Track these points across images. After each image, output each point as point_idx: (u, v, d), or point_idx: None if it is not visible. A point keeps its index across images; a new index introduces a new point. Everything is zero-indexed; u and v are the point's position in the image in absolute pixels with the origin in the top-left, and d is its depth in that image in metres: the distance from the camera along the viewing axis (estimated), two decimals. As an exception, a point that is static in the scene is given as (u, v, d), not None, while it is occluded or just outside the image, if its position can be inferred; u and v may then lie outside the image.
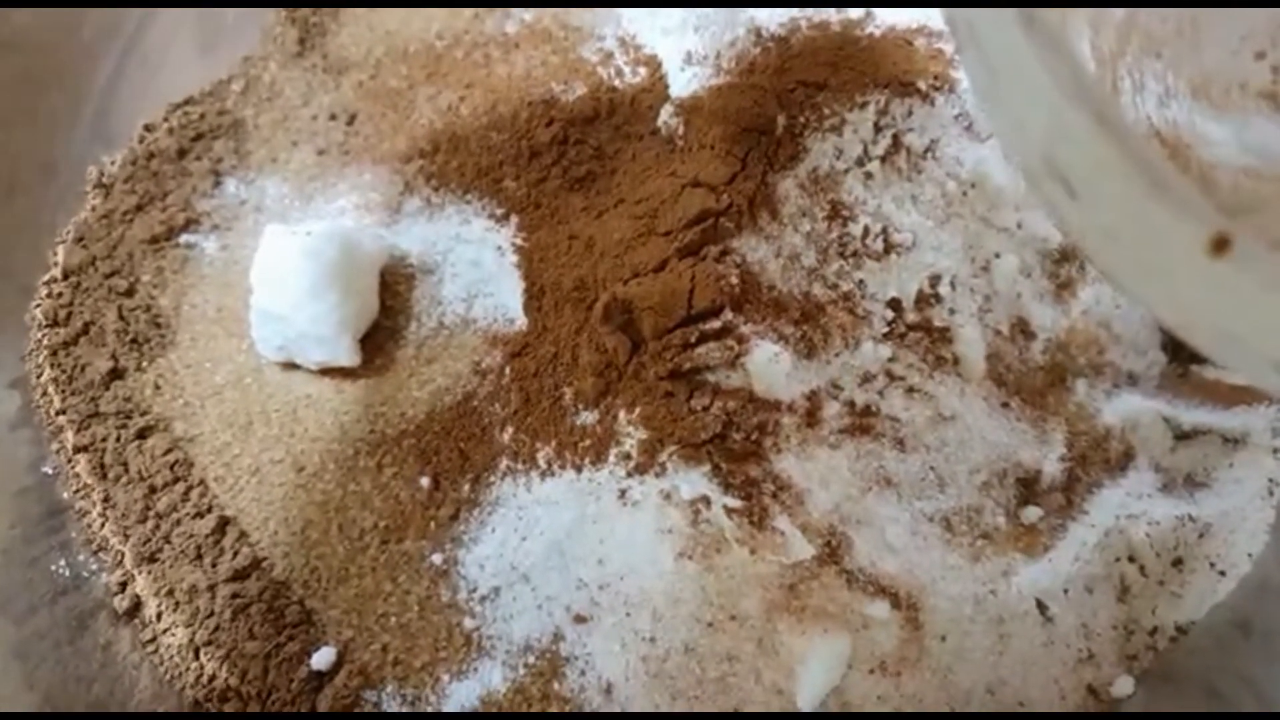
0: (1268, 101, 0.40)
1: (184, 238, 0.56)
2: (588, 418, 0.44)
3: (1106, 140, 0.26)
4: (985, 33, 0.28)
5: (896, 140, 0.47)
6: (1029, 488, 0.46)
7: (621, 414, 0.43)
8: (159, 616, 0.47)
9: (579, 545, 0.43)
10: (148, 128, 0.60)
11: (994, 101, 0.30)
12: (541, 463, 0.45)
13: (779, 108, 0.47)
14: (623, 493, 0.43)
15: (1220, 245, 0.25)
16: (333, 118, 0.59)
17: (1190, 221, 0.25)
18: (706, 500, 0.41)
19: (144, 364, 0.53)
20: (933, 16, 0.53)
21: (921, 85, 0.48)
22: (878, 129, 0.47)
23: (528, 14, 0.58)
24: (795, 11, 0.52)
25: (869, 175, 0.47)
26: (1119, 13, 0.39)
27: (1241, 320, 0.27)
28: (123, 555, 0.49)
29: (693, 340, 0.42)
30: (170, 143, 0.59)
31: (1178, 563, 0.45)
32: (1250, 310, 0.26)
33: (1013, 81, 0.28)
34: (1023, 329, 0.48)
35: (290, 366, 0.51)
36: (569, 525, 0.43)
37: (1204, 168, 0.38)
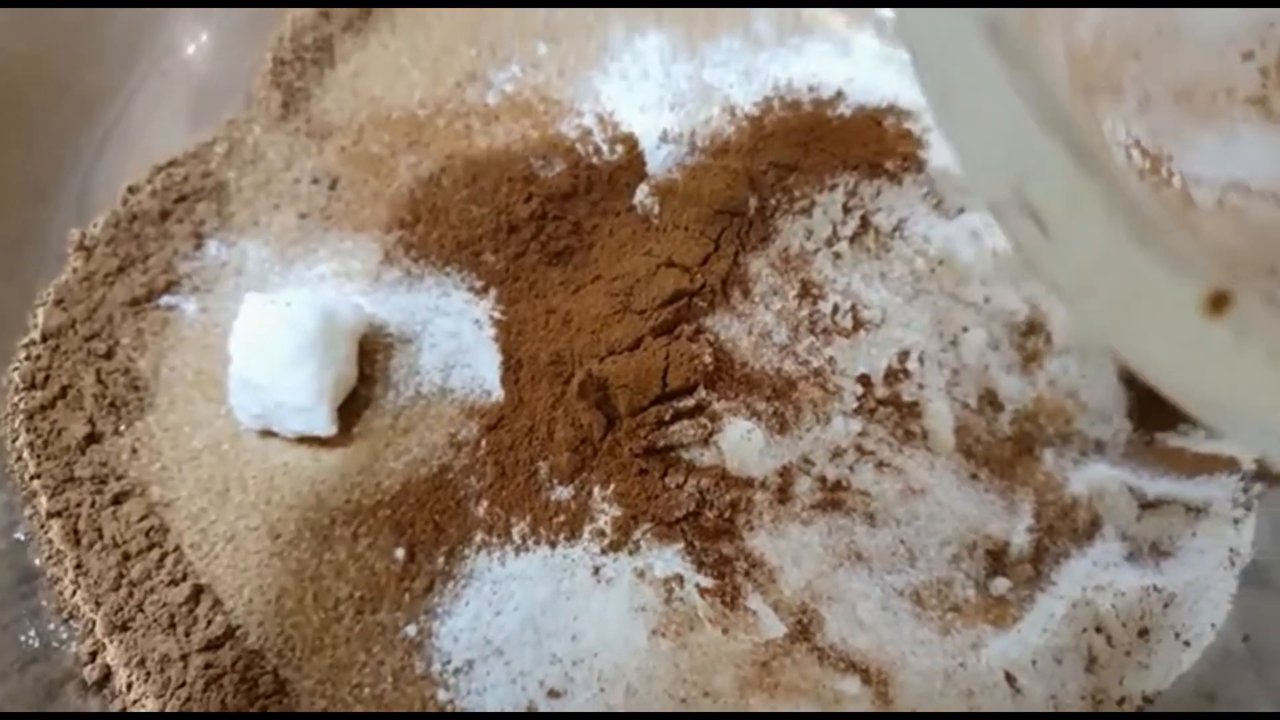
0: (1256, 108, 0.34)
1: (164, 299, 0.57)
2: (562, 493, 0.45)
3: (1083, 174, 0.22)
4: (943, 43, 0.25)
5: (865, 220, 0.49)
6: (998, 559, 0.47)
7: (596, 490, 0.44)
8: (129, 687, 0.47)
9: (553, 621, 0.43)
10: (131, 189, 0.60)
11: (953, 124, 0.26)
12: (516, 537, 0.45)
13: (751, 190, 0.48)
14: (597, 569, 0.43)
15: (1218, 303, 0.21)
16: (315, 182, 0.60)
17: (1183, 275, 0.22)
18: (680, 579, 0.42)
19: (121, 428, 0.53)
20: (901, 95, 0.54)
21: (890, 166, 0.50)
22: (846, 210, 0.49)
23: (508, 85, 0.60)
24: (770, 90, 0.53)
25: (838, 255, 0.48)
26: (1094, 10, 0.33)
27: (1240, 389, 0.23)
28: (94, 624, 0.48)
29: (667, 418, 0.43)
30: (153, 205, 0.60)
31: (1144, 633, 0.46)
32: (1250, 379, 0.23)
33: (975, 101, 0.25)
34: (991, 401, 0.49)
35: (268, 433, 0.51)
36: (543, 601, 0.43)
37: (1186, 183, 0.33)
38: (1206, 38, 0.34)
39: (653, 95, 0.55)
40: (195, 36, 0.66)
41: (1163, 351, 0.24)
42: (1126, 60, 0.34)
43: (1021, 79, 0.23)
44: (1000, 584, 0.46)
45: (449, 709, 0.44)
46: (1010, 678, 0.44)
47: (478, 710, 0.43)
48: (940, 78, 0.26)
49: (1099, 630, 0.45)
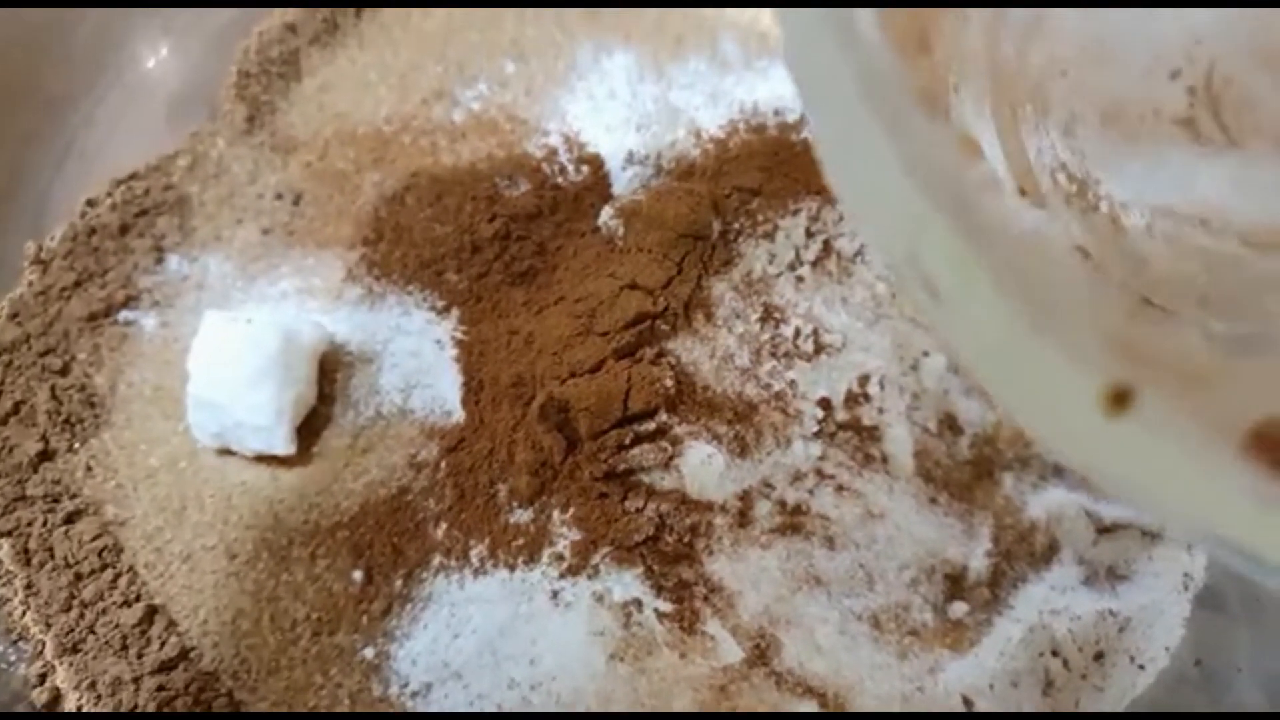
0: (1183, 130, 0.31)
1: (123, 314, 0.56)
2: (522, 516, 0.45)
3: (973, 250, 0.20)
4: (824, 91, 0.22)
5: (827, 245, 0.49)
6: (956, 583, 0.47)
7: (555, 514, 0.44)
8: (79, 710, 0.46)
9: (511, 644, 0.43)
10: (90, 203, 0.59)
11: (842, 180, 0.23)
12: (475, 560, 0.45)
13: (715, 214, 0.48)
14: (555, 594, 0.43)
15: (1120, 400, 0.20)
16: (279, 197, 0.59)
17: (1081, 367, 0.20)
18: (639, 603, 0.42)
19: (76, 445, 0.52)
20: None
21: (852, 191, 0.50)
22: (809, 234, 0.49)
23: (475, 103, 0.60)
24: (735, 113, 0.53)
25: (800, 279, 0.48)
26: (1019, 23, 0.31)
27: (1153, 483, 0.21)
28: (44, 645, 0.47)
29: (627, 442, 0.43)
30: (113, 218, 0.59)
31: (1099, 656, 0.46)
32: (1165, 474, 0.21)
33: (861, 161, 0.22)
34: (950, 425, 0.49)
35: (225, 452, 0.50)
36: (501, 624, 0.43)
37: (1115, 208, 0.31)
38: (1134, 55, 0.32)
39: (619, 116, 0.55)
40: (158, 48, 0.65)
41: (1066, 440, 0.22)
42: (1054, 78, 0.31)
43: (904, 141, 0.20)
44: (958, 608, 0.46)
45: (406, 733, 0.44)
46: (967, 702, 0.44)
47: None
48: (825, 127, 0.23)
49: (1055, 654, 0.46)
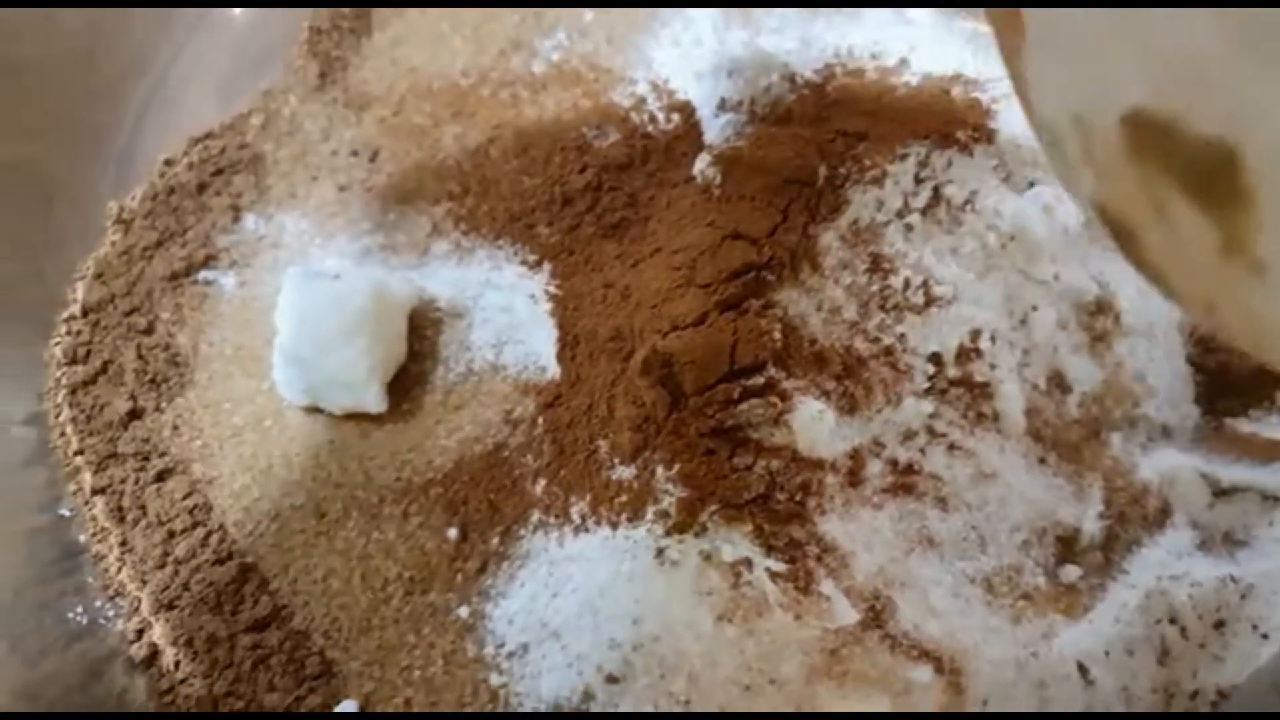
0: None
1: (202, 274, 0.56)
2: (624, 473, 0.43)
3: None
4: None
5: (937, 192, 0.47)
6: (1068, 546, 0.45)
7: (660, 470, 0.42)
8: (176, 666, 0.46)
9: (613, 604, 0.42)
10: (168, 162, 0.59)
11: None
12: (575, 517, 0.44)
13: (820, 159, 0.46)
14: (660, 551, 0.42)
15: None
16: (354, 154, 0.58)
17: None
18: (749, 562, 0.40)
19: (162, 404, 0.52)
20: (966, 64, 0.52)
21: (961, 136, 0.48)
22: (918, 180, 0.47)
23: (555, 54, 0.58)
24: (830, 58, 0.51)
25: (909, 227, 0.46)
26: None
27: None
28: (140, 602, 0.48)
29: (735, 396, 0.42)
30: (190, 177, 0.58)
31: (1219, 625, 0.44)
32: None
33: None
34: (1059, 383, 0.47)
35: (312, 410, 0.50)
36: (603, 583, 0.42)
37: None
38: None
39: (708, 62, 0.53)
40: (230, 6, 0.64)
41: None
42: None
43: None
44: (1071, 571, 0.45)
45: (502, 693, 0.43)
46: (1083, 668, 0.43)
47: (532, 693, 0.42)
48: None
49: (1173, 621, 0.44)
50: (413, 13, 0.63)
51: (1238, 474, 0.48)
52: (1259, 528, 0.47)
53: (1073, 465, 0.47)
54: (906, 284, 0.45)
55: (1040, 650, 0.42)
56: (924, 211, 0.46)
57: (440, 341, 0.50)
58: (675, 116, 0.53)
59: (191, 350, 0.54)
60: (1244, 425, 0.50)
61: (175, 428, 0.51)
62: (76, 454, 0.51)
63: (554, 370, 0.47)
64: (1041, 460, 0.46)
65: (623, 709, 0.41)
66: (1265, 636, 0.44)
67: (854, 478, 0.42)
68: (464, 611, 0.44)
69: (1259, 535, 0.47)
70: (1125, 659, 0.43)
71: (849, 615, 0.40)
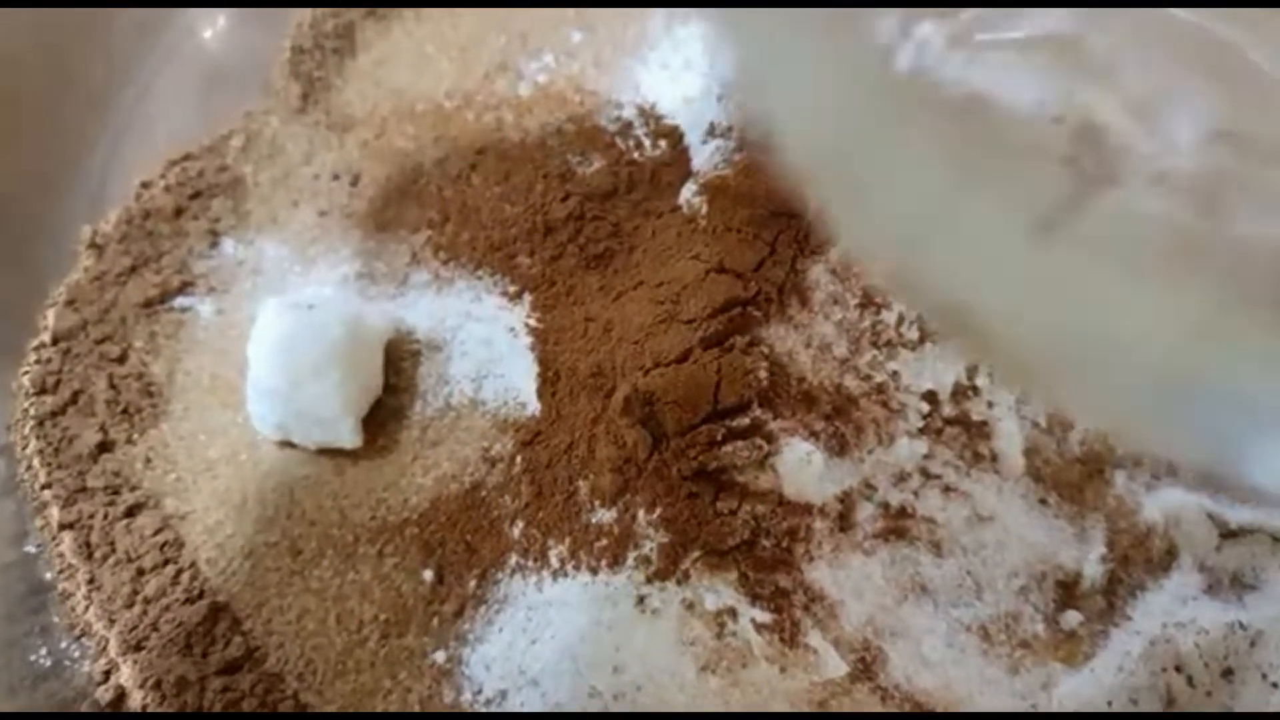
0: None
1: (179, 301, 0.54)
2: (604, 516, 0.42)
3: None
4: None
5: (931, 224, 0.45)
6: (1069, 591, 0.43)
7: (641, 514, 0.41)
8: (144, 709, 0.45)
9: (593, 652, 0.40)
10: (144, 184, 0.57)
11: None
12: (554, 561, 0.42)
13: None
14: (641, 599, 0.40)
15: None
16: (335, 177, 0.57)
17: None
18: (733, 612, 0.39)
19: (134, 436, 0.51)
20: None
21: (955, 165, 0.46)
22: (911, 212, 0.45)
23: (541, 76, 0.57)
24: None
25: (902, 261, 0.45)
26: None
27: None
28: (107, 642, 0.46)
29: (719, 438, 0.40)
30: (167, 200, 0.57)
31: (1228, 673, 0.42)
32: None
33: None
34: (1059, 420, 0.46)
35: (287, 444, 0.48)
36: (582, 630, 0.40)
37: None
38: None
39: (697, 86, 0.51)
40: (211, 24, 0.63)
41: None
42: None
43: None
44: (1071, 617, 0.43)
45: (479, 741, 0.41)
46: None
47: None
48: None
49: (1179, 669, 0.42)
50: (397, 33, 0.62)
51: (1246, 515, 0.46)
52: (1269, 570, 0.45)
53: (1074, 506, 0.45)
54: (900, 319, 0.44)
55: (1039, 701, 0.41)
56: (917, 243, 0.45)
57: (418, 375, 0.48)
58: (662, 143, 0.51)
59: (166, 380, 0.52)
60: (1249, 462, 0.48)
61: (148, 460, 0.50)
62: (44, 487, 0.49)
63: (534, 406, 0.46)
64: (1041, 501, 0.44)
65: (603, 761, 0.39)
66: (1275, 685, 0.43)
67: (844, 522, 0.41)
68: (440, 656, 0.43)
69: (1268, 579, 0.45)
70: (1129, 709, 0.42)
71: (838, 667, 0.38)
